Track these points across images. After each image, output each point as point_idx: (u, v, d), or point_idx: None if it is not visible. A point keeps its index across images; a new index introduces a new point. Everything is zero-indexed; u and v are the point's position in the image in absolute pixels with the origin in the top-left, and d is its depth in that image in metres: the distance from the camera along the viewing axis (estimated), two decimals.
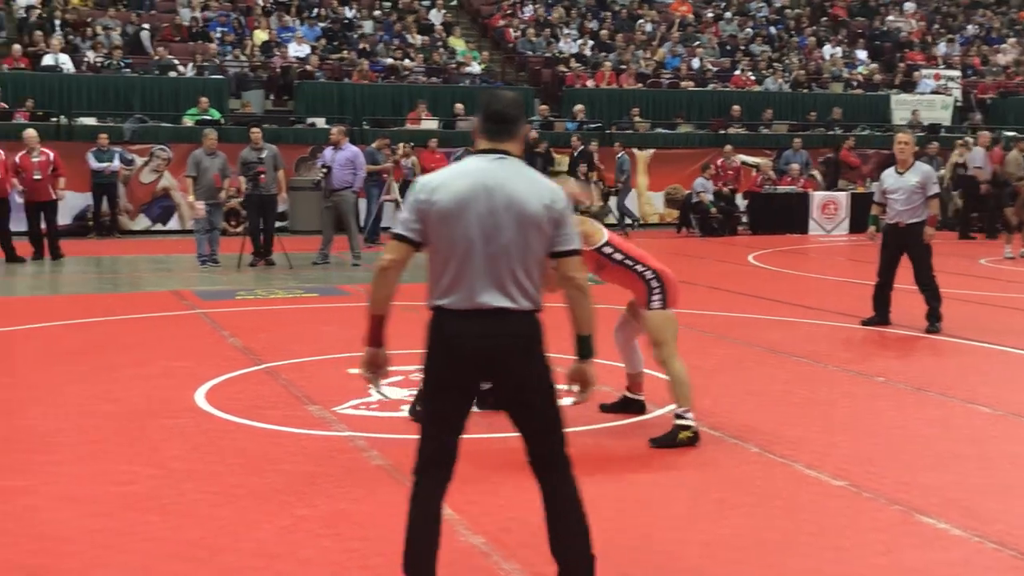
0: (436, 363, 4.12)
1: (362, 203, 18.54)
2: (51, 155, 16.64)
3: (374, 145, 19.53)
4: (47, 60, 22.66)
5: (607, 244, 6.81)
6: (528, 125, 4.37)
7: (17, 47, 22.75)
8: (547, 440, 4.20)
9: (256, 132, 16.10)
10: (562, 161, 23.00)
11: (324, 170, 15.81)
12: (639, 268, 6.79)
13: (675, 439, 6.62)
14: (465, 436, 6.36)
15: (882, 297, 11.11)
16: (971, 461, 6.42)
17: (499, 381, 4.13)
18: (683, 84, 27.55)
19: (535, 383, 4.10)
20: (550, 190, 4.09)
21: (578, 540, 4.20)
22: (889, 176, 11.05)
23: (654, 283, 6.76)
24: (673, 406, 6.77)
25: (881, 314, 11.12)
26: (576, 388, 4.22)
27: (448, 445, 4.19)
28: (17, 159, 16.35)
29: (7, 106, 21.05)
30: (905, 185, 10.78)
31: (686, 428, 6.65)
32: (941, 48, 32.59)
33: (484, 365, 4.07)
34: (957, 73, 30.77)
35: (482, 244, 4.00)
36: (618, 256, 6.80)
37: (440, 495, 4.20)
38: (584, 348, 4.16)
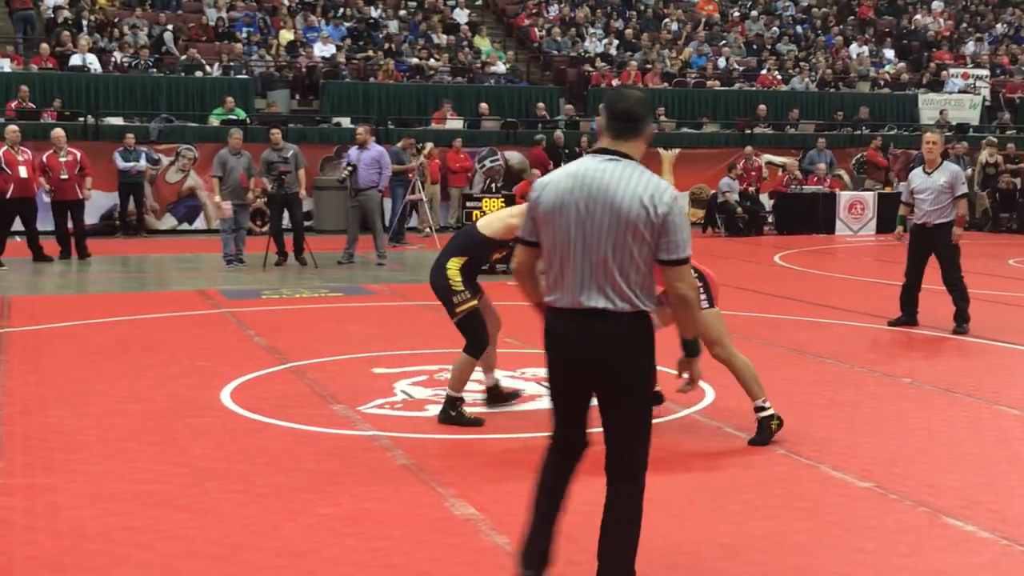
0: (548, 356, 4.24)
1: (387, 202, 18.58)
2: (78, 155, 16.74)
3: (399, 145, 19.56)
4: (75, 60, 22.82)
5: None
6: (654, 125, 4.41)
7: (45, 47, 22.92)
8: (627, 447, 4.22)
9: (276, 133, 16.14)
10: None
11: (349, 169, 15.84)
12: None
13: (768, 433, 6.65)
14: (491, 437, 6.34)
15: (909, 298, 11.03)
16: (998, 463, 6.36)
17: (596, 380, 4.17)
18: (709, 83, 27.47)
19: (628, 387, 4.13)
20: (654, 195, 4.01)
21: (623, 555, 4.22)
22: (917, 176, 10.98)
23: (698, 282, 6.67)
24: (751, 402, 6.79)
25: (908, 315, 11.04)
26: (684, 377, 4.43)
27: (572, 433, 4.31)
28: (44, 159, 16.45)
29: (34, 106, 21.19)
30: (933, 185, 10.70)
31: (770, 417, 6.68)
32: (969, 47, 32.36)
33: (584, 362, 4.13)
34: (986, 72, 30.54)
35: (580, 244, 4.05)
36: None
37: (565, 480, 4.33)
38: (688, 348, 4.33)
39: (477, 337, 7.11)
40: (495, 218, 7.23)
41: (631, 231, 3.99)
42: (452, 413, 7.12)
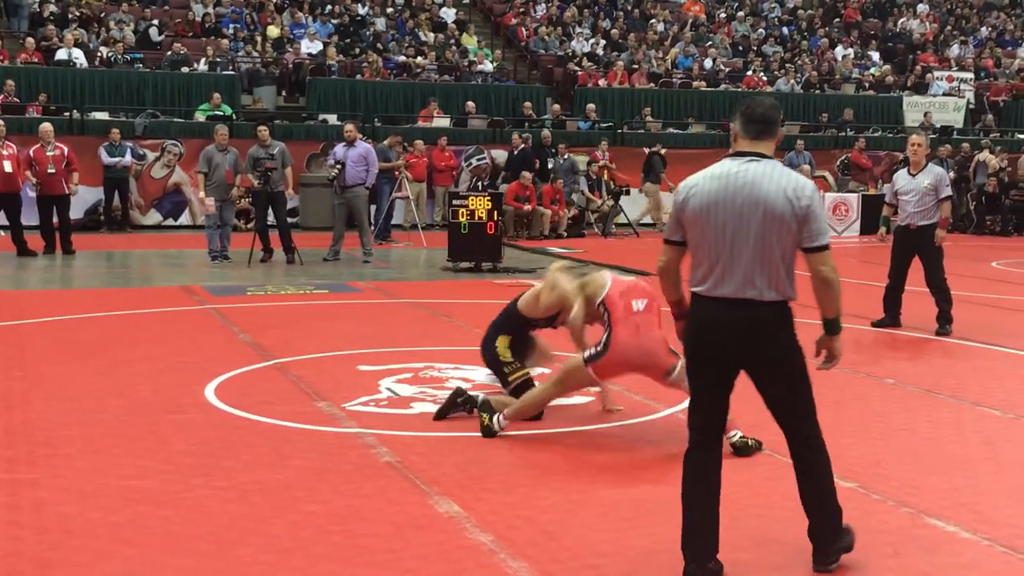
0: (693, 343, 4.58)
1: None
2: (65, 150, 16.68)
3: (386, 142, 19.55)
4: (60, 55, 22.73)
5: (602, 303, 6.67)
6: (782, 129, 4.66)
7: (31, 41, 22.82)
8: (801, 415, 4.63)
9: (264, 130, 16.12)
10: (577, 160, 23.03)
11: (338, 166, 15.82)
12: (606, 329, 6.62)
13: (482, 418, 6.75)
14: (475, 435, 6.35)
15: (893, 299, 11.08)
16: (981, 464, 6.40)
17: (751, 366, 4.56)
18: (695, 84, 27.52)
19: (780, 370, 4.55)
20: (796, 189, 4.41)
21: (835, 504, 4.69)
22: (901, 178, 11.03)
23: (601, 346, 6.56)
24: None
25: (892, 316, 11.09)
26: (823, 356, 4.69)
27: (714, 419, 4.64)
28: (31, 153, 16.40)
29: (19, 100, 21.10)
30: (917, 187, 10.75)
31: (491, 424, 6.72)
32: (954, 50, 32.50)
33: (733, 349, 4.50)
34: (970, 75, 30.66)
35: (730, 241, 4.41)
36: (605, 316, 6.66)
37: (715, 467, 4.61)
38: (829, 327, 4.64)
39: None
40: (529, 295, 7.37)
41: (778, 224, 4.39)
42: (448, 413, 7.19)
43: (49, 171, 16.35)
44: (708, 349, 4.54)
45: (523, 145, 21.42)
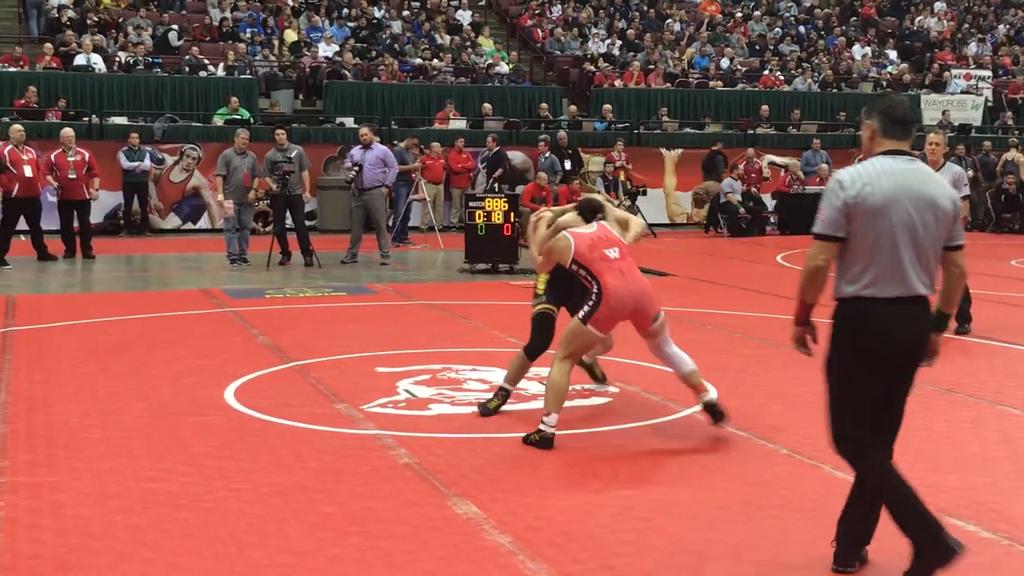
0: (866, 348, 4.50)
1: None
2: (86, 155, 16.79)
3: (402, 145, 19.59)
4: (79, 60, 22.85)
5: (573, 262, 6.78)
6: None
7: (49, 47, 22.95)
8: (899, 424, 4.69)
9: (281, 134, 16.19)
10: (590, 161, 23.03)
11: (356, 169, 15.85)
12: (592, 281, 6.72)
13: (527, 438, 6.60)
14: (493, 436, 6.37)
15: None
16: (1001, 463, 6.37)
17: (907, 363, 4.57)
18: (711, 84, 27.47)
19: (918, 365, 4.61)
20: (950, 190, 4.60)
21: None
22: None
23: (593, 300, 6.65)
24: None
25: None
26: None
27: (892, 421, 4.65)
28: (53, 157, 16.51)
29: (38, 106, 21.22)
30: None
31: (540, 432, 6.57)
32: (972, 48, 32.34)
33: (906, 348, 4.52)
34: (988, 73, 30.52)
35: (907, 238, 4.43)
36: (582, 272, 6.77)
37: (891, 463, 4.61)
38: (940, 322, 4.67)
39: (535, 338, 7.35)
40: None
41: (943, 223, 4.50)
42: (491, 405, 7.32)
43: (70, 176, 16.45)
44: (886, 351, 4.49)
45: (497, 147, 21.36)
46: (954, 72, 30.08)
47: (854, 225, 4.43)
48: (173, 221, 21.05)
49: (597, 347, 7.48)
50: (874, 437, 4.59)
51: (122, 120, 21.61)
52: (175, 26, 25.35)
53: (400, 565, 4.74)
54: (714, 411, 6.83)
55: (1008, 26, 34.61)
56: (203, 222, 21.17)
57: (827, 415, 4.66)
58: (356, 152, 16.19)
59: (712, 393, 6.95)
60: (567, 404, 7.11)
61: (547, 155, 21.59)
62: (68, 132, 16.87)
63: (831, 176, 4.79)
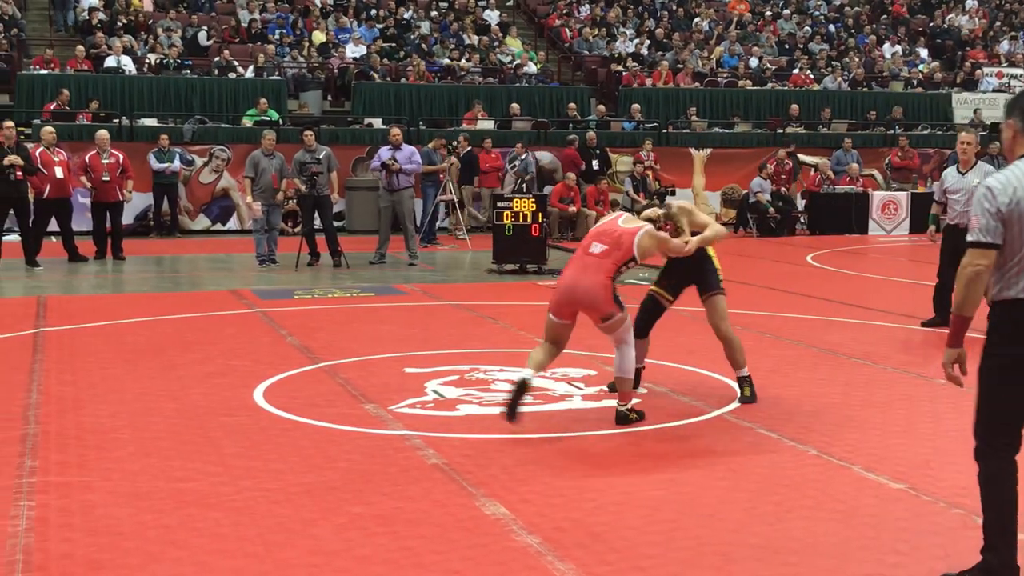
0: (1020, 352, 4.40)
1: (418, 203, 18.68)
2: (120, 157, 16.90)
3: (430, 145, 19.61)
4: (109, 62, 23.01)
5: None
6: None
7: (80, 49, 23.13)
8: None
9: (309, 135, 16.24)
10: (618, 161, 22.98)
11: (391, 161, 15.86)
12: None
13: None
14: (521, 437, 6.38)
15: (943, 298, 10.95)
16: None
17: None
18: (740, 83, 27.36)
19: None
20: None
21: None
22: (950, 175, 10.89)
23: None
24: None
25: (942, 315, 10.95)
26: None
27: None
28: (87, 159, 16.63)
29: (69, 108, 21.38)
30: (967, 185, 10.60)
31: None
32: (1004, 46, 32.07)
33: None
34: (1020, 71, 30.23)
35: None
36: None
37: (1015, 476, 4.54)
38: None
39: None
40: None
41: None
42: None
43: (104, 178, 16.56)
44: None
45: (468, 147, 21.27)
46: (986, 70, 29.83)
47: (1011, 231, 4.41)
48: (203, 222, 21.14)
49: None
50: (1013, 443, 4.51)
51: (152, 122, 21.73)
52: (204, 27, 25.48)
53: (428, 565, 4.74)
54: (618, 415, 7.15)
55: None
56: (232, 223, 21.26)
57: (975, 414, 4.56)
58: (385, 152, 16.23)
59: (626, 405, 7.18)
60: (597, 404, 7.10)
61: (522, 157, 21.57)
62: (103, 134, 16.98)
63: (980, 184, 4.72)
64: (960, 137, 11.05)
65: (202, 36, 25.18)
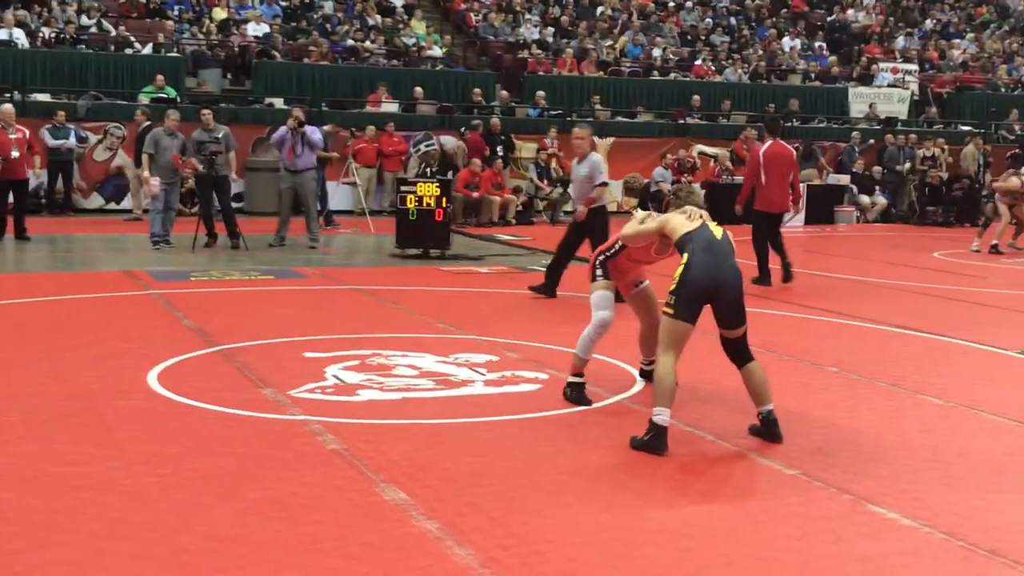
0: None
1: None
2: (27, 132, 16.39)
3: (326, 129, 19.33)
4: (1, 35, 22.31)
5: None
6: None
7: None
8: None
9: (207, 114, 15.96)
10: (522, 147, 23.02)
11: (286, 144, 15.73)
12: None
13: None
14: (422, 423, 6.38)
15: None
16: (921, 452, 6.49)
17: None
18: (644, 73, 27.58)
19: None
20: None
21: None
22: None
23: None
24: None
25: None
26: None
27: None
28: None
29: None
30: (577, 175, 11.85)
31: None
32: (899, 42, 32.85)
33: None
34: (915, 67, 31.02)
35: None
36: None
37: None
38: None
39: None
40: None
41: None
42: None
43: (13, 155, 16.00)
44: None
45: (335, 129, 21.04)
46: (882, 65, 30.53)
47: None
48: (96, 201, 20.64)
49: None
50: None
51: (45, 97, 21.15)
52: (94, 3, 24.78)
53: (327, 551, 4.70)
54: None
55: (935, 21, 35.20)
56: (126, 202, 20.80)
57: None
58: (284, 132, 15.98)
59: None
60: (499, 390, 7.11)
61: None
62: (8, 108, 16.38)
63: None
64: (574, 132, 12.05)
65: (98, 11, 24.48)
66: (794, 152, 14.72)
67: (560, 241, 12.31)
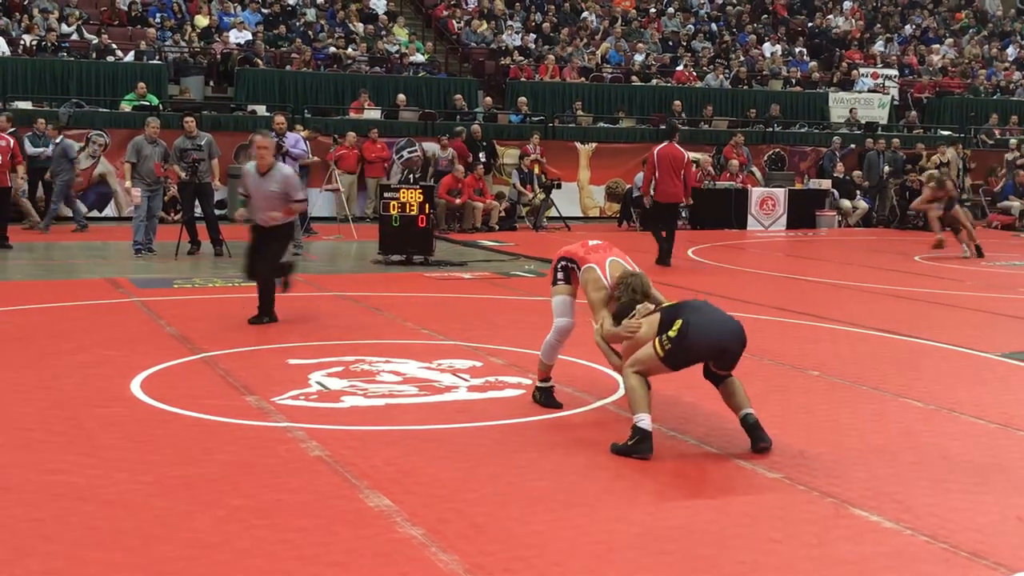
0: None
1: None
2: (11, 141, 16.33)
3: (302, 134, 19.28)
4: None
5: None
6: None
7: None
8: None
9: (190, 121, 15.95)
10: (505, 153, 23.04)
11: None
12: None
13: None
14: (406, 429, 6.37)
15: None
16: (903, 455, 6.52)
17: None
18: (625, 79, 27.65)
19: None
20: None
21: None
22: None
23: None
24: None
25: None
26: None
27: None
28: None
29: None
30: (264, 187, 10.14)
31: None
32: (879, 47, 33.02)
33: None
34: (894, 72, 31.19)
35: None
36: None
37: None
38: None
39: None
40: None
41: None
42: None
43: None
44: None
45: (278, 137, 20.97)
46: (862, 71, 30.68)
47: None
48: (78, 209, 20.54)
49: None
50: None
51: (26, 105, 21.07)
52: (76, 10, 24.70)
53: (310, 558, 4.70)
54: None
55: (915, 26, 35.39)
56: (109, 210, 20.73)
57: None
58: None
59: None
60: (482, 396, 7.12)
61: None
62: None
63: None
64: (256, 141, 10.42)
65: (80, 19, 24.41)
66: (686, 154, 16.20)
67: None
